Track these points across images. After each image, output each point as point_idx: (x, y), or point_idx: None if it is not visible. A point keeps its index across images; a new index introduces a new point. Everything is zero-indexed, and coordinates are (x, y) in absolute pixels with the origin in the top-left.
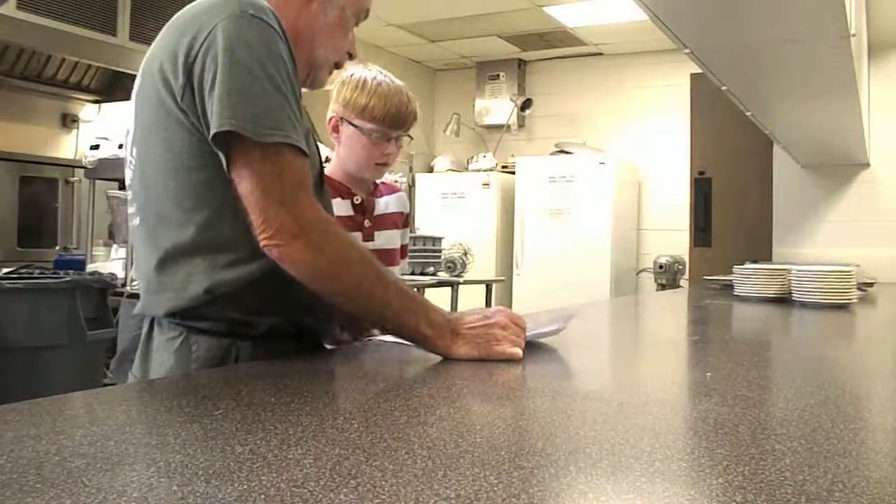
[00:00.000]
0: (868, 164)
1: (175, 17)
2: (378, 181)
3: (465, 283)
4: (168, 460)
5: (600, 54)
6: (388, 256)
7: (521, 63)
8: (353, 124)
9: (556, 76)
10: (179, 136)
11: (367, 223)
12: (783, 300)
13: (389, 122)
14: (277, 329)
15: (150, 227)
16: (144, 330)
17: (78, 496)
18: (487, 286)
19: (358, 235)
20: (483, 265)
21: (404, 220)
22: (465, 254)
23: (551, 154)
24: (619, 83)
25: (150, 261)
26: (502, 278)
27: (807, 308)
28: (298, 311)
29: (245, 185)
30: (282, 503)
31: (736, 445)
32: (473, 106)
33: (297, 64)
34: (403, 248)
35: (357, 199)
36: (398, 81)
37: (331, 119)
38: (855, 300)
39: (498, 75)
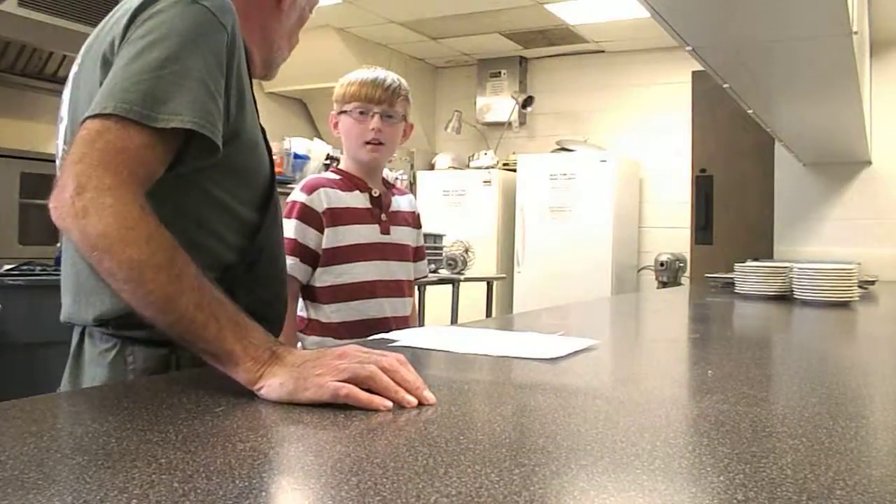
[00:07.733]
0: (870, 162)
1: None
2: (390, 181)
3: (467, 280)
4: (169, 457)
5: (602, 52)
6: (403, 252)
7: (523, 60)
8: (342, 112)
9: (558, 74)
10: None
11: (383, 217)
12: (784, 298)
13: (365, 96)
14: None
15: None
16: (74, 342)
17: (79, 493)
18: (488, 283)
19: (376, 228)
20: (484, 262)
21: (416, 221)
22: (467, 251)
23: (552, 151)
24: (620, 81)
25: (81, 259)
26: (503, 276)
27: (808, 306)
28: (249, 314)
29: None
30: (283, 500)
31: (737, 443)
32: (475, 103)
33: (251, 61)
34: (419, 249)
35: (375, 192)
36: (389, 72)
37: (331, 119)
38: (856, 298)
39: (499, 73)
